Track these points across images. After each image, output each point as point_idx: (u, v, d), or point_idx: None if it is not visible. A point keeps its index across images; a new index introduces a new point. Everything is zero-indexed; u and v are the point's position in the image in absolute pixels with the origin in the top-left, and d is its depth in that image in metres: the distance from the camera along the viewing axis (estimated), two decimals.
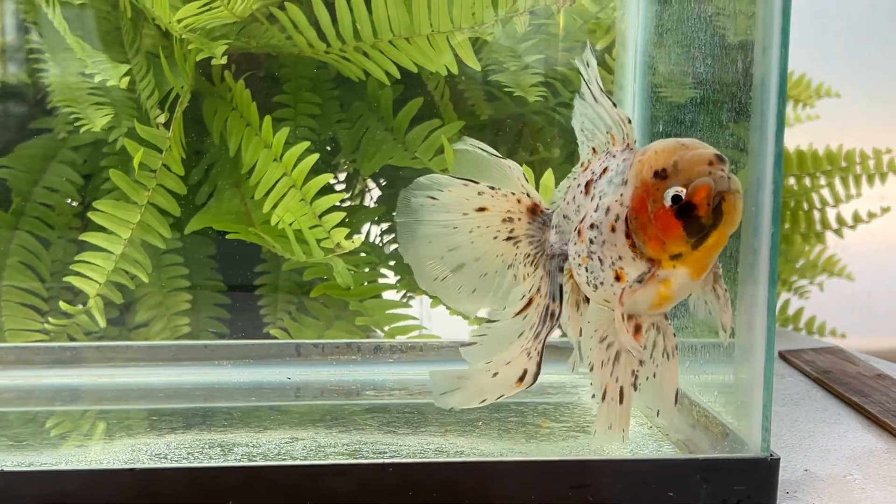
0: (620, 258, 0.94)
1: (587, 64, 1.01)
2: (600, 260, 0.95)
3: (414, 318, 1.56)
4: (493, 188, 1.04)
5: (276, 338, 1.52)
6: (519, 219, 1.04)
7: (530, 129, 1.70)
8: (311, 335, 1.57)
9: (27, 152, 1.63)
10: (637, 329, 0.96)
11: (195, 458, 1.06)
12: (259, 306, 1.65)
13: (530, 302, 1.04)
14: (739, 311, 1.01)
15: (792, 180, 2.08)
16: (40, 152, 1.63)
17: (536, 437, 1.16)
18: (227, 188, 1.60)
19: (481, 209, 1.03)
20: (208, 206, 1.59)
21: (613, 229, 0.94)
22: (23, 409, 1.30)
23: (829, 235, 2.15)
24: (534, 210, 1.05)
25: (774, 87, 0.94)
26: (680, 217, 0.89)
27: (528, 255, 1.05)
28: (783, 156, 0.95)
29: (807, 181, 2.09)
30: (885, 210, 2.12)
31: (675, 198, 0.89)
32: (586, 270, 0.97)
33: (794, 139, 2.13)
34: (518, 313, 1.04)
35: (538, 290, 1.04)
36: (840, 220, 2.12)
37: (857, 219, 2.13)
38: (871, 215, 2.13)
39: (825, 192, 2.07)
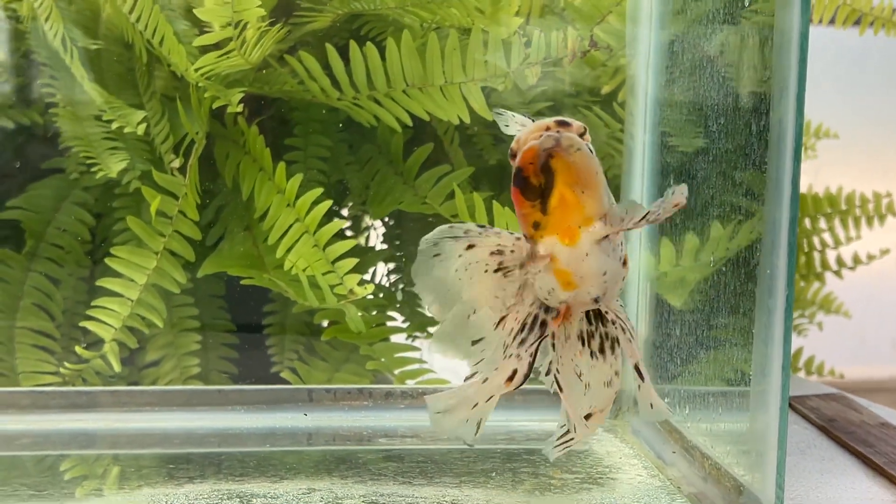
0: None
1: (499, 113, 1.03)
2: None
3: (423, 362, 1.57)
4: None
5: (288, 382, 1.53)
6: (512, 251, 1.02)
7: None
8: (320, 377, 1.59)
9: (40, 192, 1.64)
10: (564, 315, 0.96)
11: None
12: (267, 346, 1.67)
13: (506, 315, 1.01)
14: (754, 370, 1.03)
15: None
16: (53, 192, 1.65)
17: (550, 490, 1.17)
18: (239, 231, 1.62)
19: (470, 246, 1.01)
20: (220, 248, 1.60)
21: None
22: (40, 453, 1.31)
23: (828, 275, 2.18)
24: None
25: (790, 153, 0.97)
26: (515, 185, 0.91)
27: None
28: (798, 220, 0.97)
29: (807, 223, 2.12)
30: (885, 252, 2.15)
31: (515, 170, 0.91)
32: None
33: None
34: (497, 325, 1.00)
35: (518, 300, 1.01)
36: (840, 262, 2.15)
37: (856, 260, 2.16)
38: (871, 257, 2.16)
39: (826, 235, 2.10)
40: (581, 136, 0.92)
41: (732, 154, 1.15)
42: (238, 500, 1.11)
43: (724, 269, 1.14)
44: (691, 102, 1.28)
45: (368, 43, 1.49)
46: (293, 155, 1.63)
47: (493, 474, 1.21)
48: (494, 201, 1.48)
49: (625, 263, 0.96)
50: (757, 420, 1.03)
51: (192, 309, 1.61)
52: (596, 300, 0.94)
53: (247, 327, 1.68)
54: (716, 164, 1.18)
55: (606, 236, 0.92)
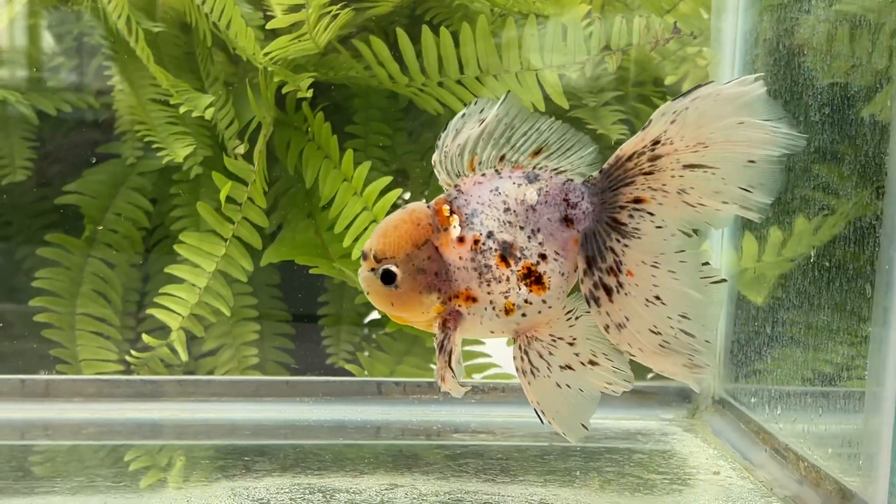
0: None
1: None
2: None
3: (488, 356, 1.54)
4: None
5: (353, 374, 1.50)
6: None
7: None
8: (382, 369, 1.56)
9: (96, 178, 1.61)
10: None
11: None
12: (322, 337, 1.64)
13: None
14: (869, 370, 0.99)
15: None
16: (109, 178, 1.62)
17: (640, 490, 1.13)
18: (301, 219, 1.59)
19: None
20: (282, 237, 1.57)
21: None
22: (108, 443, 1.28)
23: None
24: None
25: None
26: None
27: None
28: None
29: None
30: None
31: None
32: None
33: None
34: None
35: None
36: None
37: None
38: None
39: None
40: (379, 262, 0.90)
41: (836, 146, 1.11)
42: (321, 494, 1.08)
43: (827, 264, 1.10)
44: (784, 94, 1.24)
45: (442, 28, 1.45)
46: (353, 143, 1.60)
47: (577, 473, 1.18)
48: None
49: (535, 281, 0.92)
50: (869, 422, 0.99)
51: (250, 298, 1.58)
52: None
53: (302, 317, 1.65)
54: (818, 156, 1.14)
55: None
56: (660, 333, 0.90)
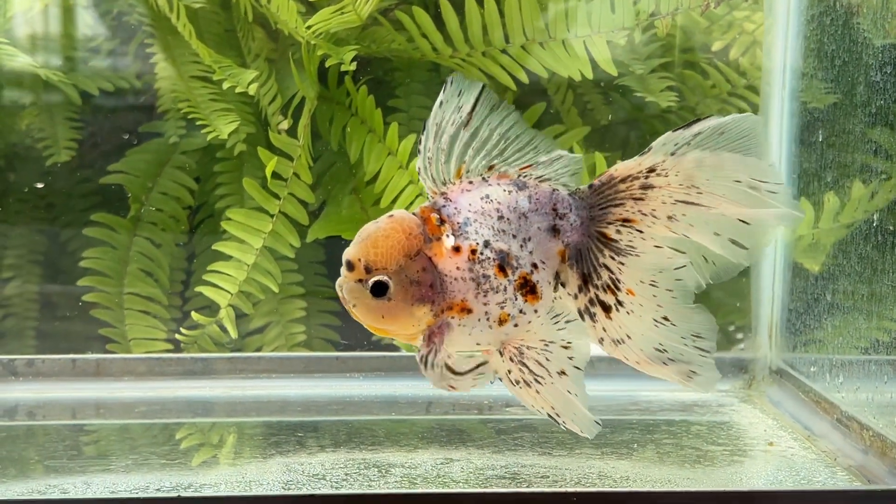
0: None
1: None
2: None
3: None
4: None
5: (399, 350, 1.49)
6: None
7: (649, 132, 1.66)
8: None
9: (140, 157, 1.61)
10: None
11: (354, 479, 1.04)
12: None
13: None
14: None
15: None
16: (153, 157, 1.61)
17: (700, 462, 1.11)
18: (344, 195, 1.57)
19: None
20: (327, 213, 1.56)
21: None
22: (160, 421, 1.28)
23: None
24: None
25: None
26: None
27: None
28: None
29: None
30: None
31: None
32: None
33: None
34: None
35: None
36: None
37: None
38: None
39: None
40: (368, 273, 0.86)
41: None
42: (376, 469, 1.07)
43: (891, 228, 1.06)
44: (842, 55, 1.20)
45: None
46: (395, 116, 1.58)
47: (635, 445, 1.16)
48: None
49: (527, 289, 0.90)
50: None
51: (296, 275, 1.57)
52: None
53: None
54: (880, 119, 1.11)
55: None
56: (666, 351, 0.90)
